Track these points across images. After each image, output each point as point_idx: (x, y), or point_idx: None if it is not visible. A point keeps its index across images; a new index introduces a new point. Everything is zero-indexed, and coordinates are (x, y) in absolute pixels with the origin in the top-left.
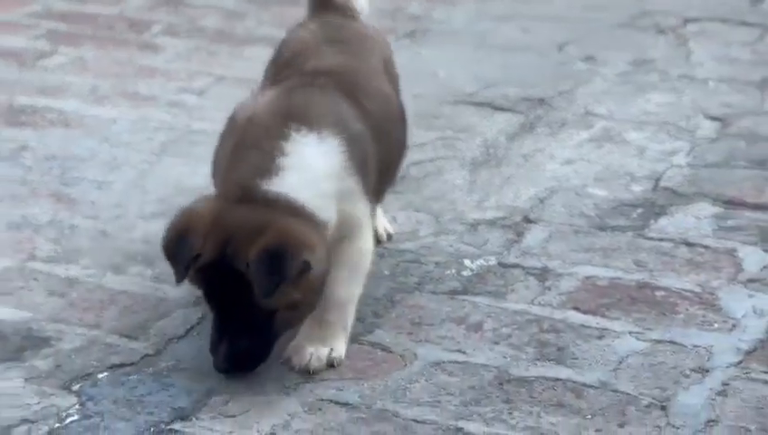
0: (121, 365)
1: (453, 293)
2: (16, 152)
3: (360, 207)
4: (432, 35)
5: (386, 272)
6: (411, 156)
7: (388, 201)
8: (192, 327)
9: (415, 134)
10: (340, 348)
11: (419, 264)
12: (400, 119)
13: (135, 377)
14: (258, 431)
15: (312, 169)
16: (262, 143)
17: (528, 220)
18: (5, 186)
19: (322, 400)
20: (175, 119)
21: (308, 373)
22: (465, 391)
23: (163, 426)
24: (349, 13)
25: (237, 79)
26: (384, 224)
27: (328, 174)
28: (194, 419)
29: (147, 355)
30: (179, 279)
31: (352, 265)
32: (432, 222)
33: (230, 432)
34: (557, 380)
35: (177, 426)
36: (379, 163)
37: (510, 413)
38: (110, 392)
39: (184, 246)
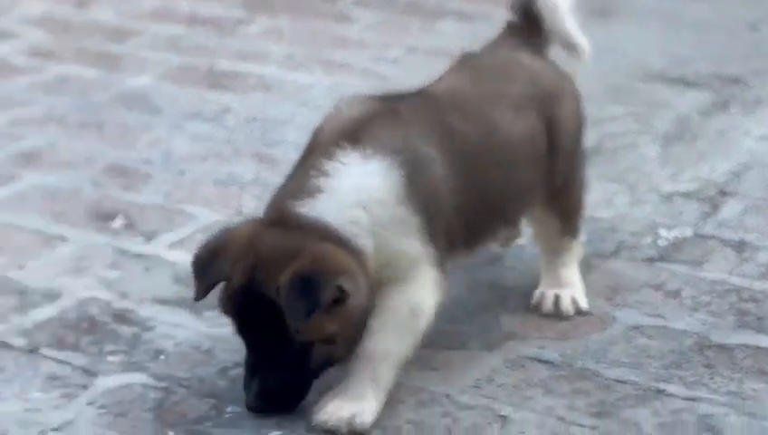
0: None
1: (650, 260)
2: (219, 114)
3: (414, 245)
4: (623, 14)
5: (582, 238)
6: (605, 128)
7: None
8: None
9: (606, 108)
10: (366, 413)
11: (615, 232)
12: (519, 159)
13: None
14: (462, 384)
15: (351, 192)
16: (307, 161)
17: (723, 193)
18: (211, 145)
19: (524, 357)
20: (370, 85)
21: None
22: (666, 354)
23: None
24: (542, 43)
25: (429, 50)
26: (573, 294)
27: (369, 198)
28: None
29: None
30: (197, 297)
31: (396, 316)
32: (627, 192)
33: (435, 383)
34: (758, 348)
35: None
36: (463, 200)
37: (711, 378)
38: None
39: (211, 267)
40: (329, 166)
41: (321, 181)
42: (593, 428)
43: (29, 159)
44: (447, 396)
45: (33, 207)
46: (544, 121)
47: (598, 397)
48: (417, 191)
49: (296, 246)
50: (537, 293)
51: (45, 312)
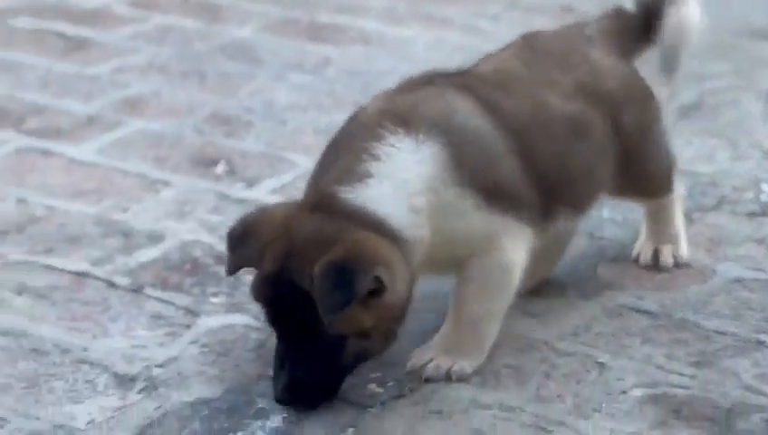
0: None
1: (751, 215)
2: (320, 66)
3: (477, 223)
4: None
5: (680, 190)
6: (707, 84)
7: (680, 128)
8: None
9: (709, 65)
10: (466, 366)
11: (716, 186)
12: (573, 139)
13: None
14: (560, 331)
15: (401, 179)
16: (353, 144)
17: None
18: (312, 95)
19: (623, 306)
20: (470, 41)
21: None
22: (767, 307)
23: None
24: (633, 46)
25: (529, 7)
26: (673, 249)
27: (421, 186)
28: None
29: None
30: (229, 272)
31: (481, 280)
32: (728, 148)
33: (533, 330)
34: None
35: None
36: (523, 168)
37: None
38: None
39: (243, 247)
40: (379, 150)
41: (372, 166)
42: (692, 377)
43: (133, 105)
44: (546, 343)
45: (137, 152)
46: (602, 115)
47: (697, 347)
48: (472, 167)
49: (334, 233)
50: (637, 245)
51: (149, 253)
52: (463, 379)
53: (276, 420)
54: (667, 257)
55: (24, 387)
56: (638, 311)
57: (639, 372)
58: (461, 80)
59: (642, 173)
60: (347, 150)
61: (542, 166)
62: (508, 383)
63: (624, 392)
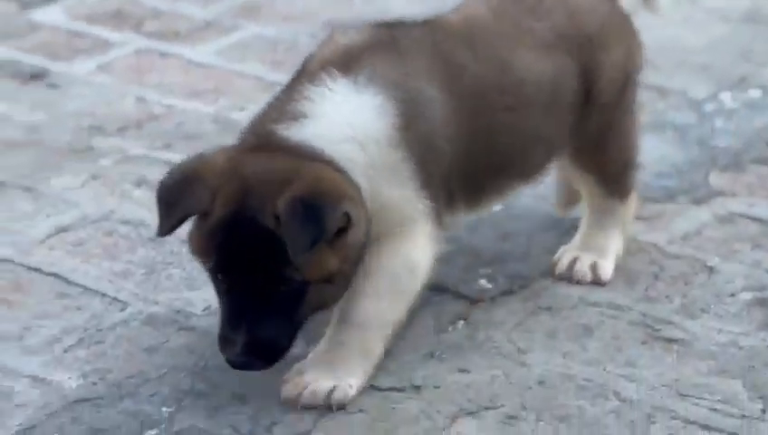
0: None
1: None
2: None
3: (407, 195)
4: None
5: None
6: None
7: None
8: None
9: None
10: (347, 385)
11: None
12: (536, 105)
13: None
14: (670, 236)
15: (340, 122)
16: (292, 87)
17: None
18: (427, 4)
19: (733, 213)
20: None
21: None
22: None
23: None
24: None
25: None
26: (596, 259)
27: (362, 135)
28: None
29: None
30: (162, 233)
31: (388, 275)
32: None
33: (644, 233)
34: None
35: None
36: (466, 148)
37: None
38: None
39: (184, 198)
40: (314, 92)
41: (306, 106)
42: None
43: (250, 11)
44: (655, 245)
45: (254, 55)
46: (579, 66)
47: None
48: (414, 135)
49: (290, 169)
50: (560, 250)
51: None
52: (343, 406)
53: None
54: (583, 269)
55: (144, 273)
56: (749, 218)
57: (748, 276)
58: (424, 33)
59: (606, 137)
60: (285, 93)
61: (493, 138)
62: (617, 283)
63: (732, 295)
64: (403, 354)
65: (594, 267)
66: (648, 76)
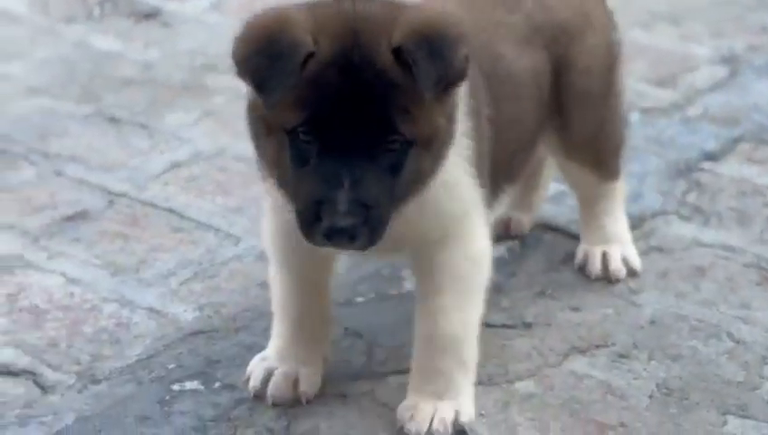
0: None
1: None
2: None
3: (464, 189)
4: None
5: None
6: None
7: None
8: (719, 84)
9: None
10: (467, 406)
11: None
12: (523, 99)
13: (664, 121)
14: None
15: None
16: None
17: None
18: None
19: None
20: None
21: None
22: None
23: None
24: None
25: None
26: (624, 251)
27: None
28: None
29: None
30: (278, 95)
31: (459, 279)
32: None
33: (759, 176)
34: None
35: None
36: (494, 135)
37: None
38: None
39: (284, 47)
40: None
41: None
42: None
43: None
44: None
45: None
46: (553, 56)
47: None
48: (472, 108)
49: (396, 7)
50: (580, 249)
51: None
52: (473, 423)
53: (499, 250)
54: (617, 266)
55: (257, 209)
56: None
57: None
58: None
59: (596, 129)
60: None
61: (507, 128)
62: (730, 225)
63: None
64: (514, 292)
65: (626, 260)
66: (763, 18)
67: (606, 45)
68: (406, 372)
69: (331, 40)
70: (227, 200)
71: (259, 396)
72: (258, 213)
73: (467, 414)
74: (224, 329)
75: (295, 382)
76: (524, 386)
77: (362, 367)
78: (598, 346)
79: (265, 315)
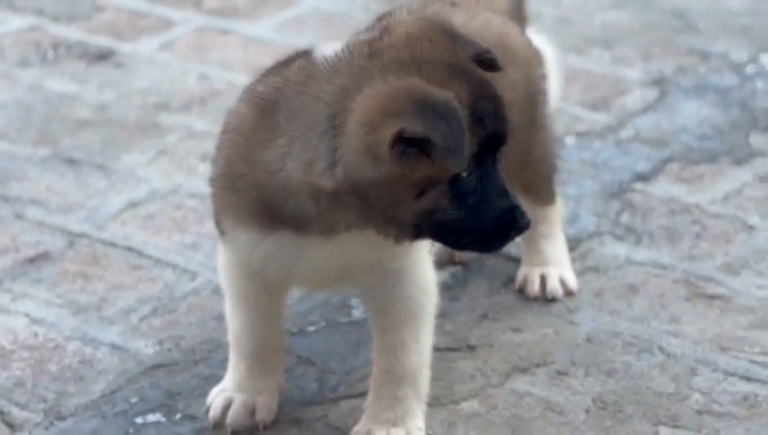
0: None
1: None
2: None
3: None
4: None
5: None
6: None
7: None
8: (649, 105)
9: None
10: (417, 429)
11: None
12: None
13: (599, 144)
14: (711, 195)
15: None
16: None
17: None
18: None
19: None
20: None
21: None
22: None
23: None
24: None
25: None
26: (561, 273)
27: None
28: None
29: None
30: (464, 154)
31: (415, 315)
32: None
33: (686, 196)
34: None
35: (638, 186)
36: None
37: None
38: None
39: (448, 108)
40: None
41: None
42: None
43: None
44: (697, 206)
45: (310, 29)
46: None
47: None
48: None
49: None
50: (520, 272)
51: None
52: None
53: (443, 276)
54: (554, 284)
55: (212, 245)
56: None
57: None
58: None
59: (522, 160)
60: None
61: None
62: (661, 243)
63: None
64: (458, 315)
65: (563, 281)
66: (690, 41)
67: (528, 80)
68: (357, 396)
69: (459, 89)
70: (183, 237)
71: (219, 425)
72: (213, 248)
73: None
74: (183, 362)
75: (252, 411)
76: (469, 406)
77: (315, 393)
78: (538, 365)
79: (223, 347)
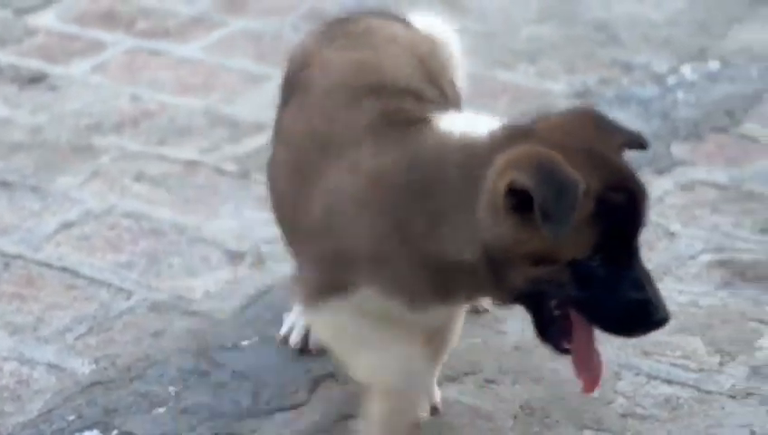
0: None
1: None
2: None
3: None
4: None
5: (753, 74)
6: None
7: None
8: None
9: None
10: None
11: None
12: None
13: None
14: None
15: None
16: None
17: None
18: None
19: (694, 180)
20: None
21: None
22: None
23: None
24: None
25: None
26: None
27: None
28: None
29: None
30: (566, 228)
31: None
32: None
33: None
34: None
35: None
36: None
37: None
38: None
39: (569, 182)
40: None
41: None
42: (758, 242)
43: (236, 6)
44: None
45: (240, 49)
46: None
47: (764, 216)
48: None
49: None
50: (285, 321)
51: (255, 142)
52: None
53: None
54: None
55: (147, 263)
56: (708, 184)
57: (707, 239)
58: None
59: None
60: None
61: None
62: None
63: (693, 258)
64: None
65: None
66: (613, 53)
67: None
68: (290, 408)
69: (591, 177)
70: (118, 257)
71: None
72: (147, 267)
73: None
74: (119, 379)
75: None
76: None
77: (250, 406)
78: (467, 373)
79: (158, 363)
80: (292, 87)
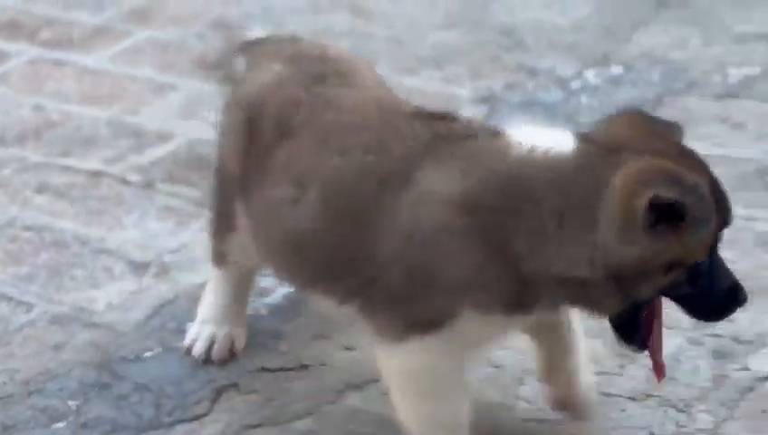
0: None
1: (718, 96)
2: None
3: None
4: None
5: (655, 78)
6: None
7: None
8: None
9: None
10: None
11: (687, 71)
12: None
13: None
14: None
15: None
16: None
17: None
18: None
19: None
20: None
21: None
22: (729, 179)
23: None
24: None
25: None
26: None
27: None
28: None
29: None
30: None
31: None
32: (700, 35)
33: None
34: None
35: None
36: None
37: None
38: None
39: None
40: None
41: None
42: None
43: (139, 15)
44: None
45: (146, 59)
46: None
47: None
48: None
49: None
50: (191, 329)
51: (159, 151)
52: None
53: (277, 298)
54: (222, 348)
55: (48, 276)
56: None
57: None
58: None
59: None
60: None
61: None
62: None
63: None
64: (292, 336)
65: (232, 342)
66: (518, 58)
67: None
68: (193, 419)
69: (700, 177)
70: (18, 269)
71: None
72: (49, 280)
73: None
74: (18, 394)
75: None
76: (304, 424)
77: (152, 418)
78: (370, 381)
79: (58, 377)
80: (283, 130)
